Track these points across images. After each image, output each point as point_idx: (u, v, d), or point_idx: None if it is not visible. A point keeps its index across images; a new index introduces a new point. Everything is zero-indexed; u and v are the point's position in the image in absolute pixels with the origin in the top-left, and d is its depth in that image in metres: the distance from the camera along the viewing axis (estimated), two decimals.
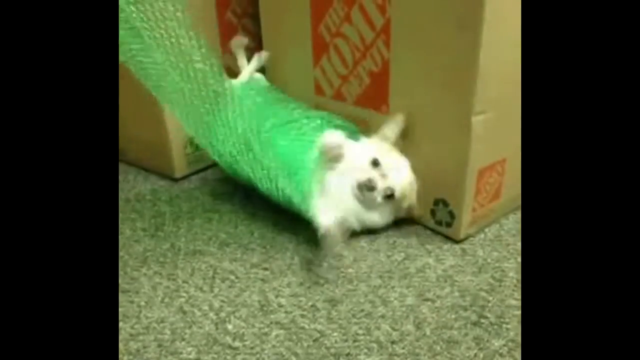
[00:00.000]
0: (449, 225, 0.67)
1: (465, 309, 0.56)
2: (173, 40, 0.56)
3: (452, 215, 0.66)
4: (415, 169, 0.67)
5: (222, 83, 0.60)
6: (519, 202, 0.74)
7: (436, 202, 0.68)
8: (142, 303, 0.59)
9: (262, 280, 0.62)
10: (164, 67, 0.58)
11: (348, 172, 0.66)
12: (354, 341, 0.53)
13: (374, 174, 0.65)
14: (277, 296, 0.59)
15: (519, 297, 0.57)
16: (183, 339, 0.54)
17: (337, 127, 0.71)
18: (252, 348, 0.52)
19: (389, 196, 0.65)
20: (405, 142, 0.67)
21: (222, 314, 0.57)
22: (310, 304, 0.58)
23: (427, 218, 0.69)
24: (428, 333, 0.53)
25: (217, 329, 0.55)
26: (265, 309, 0.58)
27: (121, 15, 0.55)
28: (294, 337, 0.54)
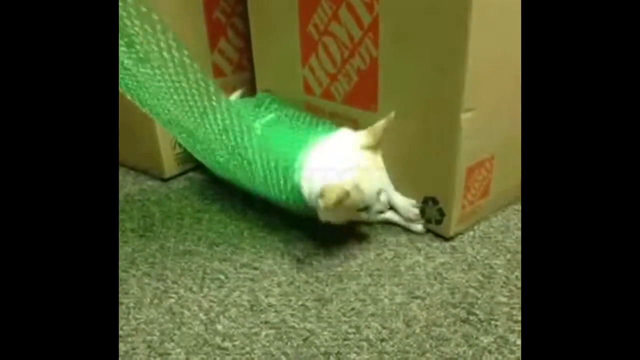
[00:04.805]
0: (438, 222, 0.67)
1: (455, 306, 0.56)
2: (164, 53, 0.54)
3: (441, 213, 0.66)
4: (404, 167, 0.67)
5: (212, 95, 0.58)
6: (508, 199, 0.74)
7: (425, 200, 0.68)
8: (131, 304, 0.59)
9: (252, 279, 0.62)
10: (148, 78, 0.58)
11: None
12: (344, 340, 0.53)
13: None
14: (267, 296, 0.59)
15: (508, 293, 0.58)
16: (172, 340, 0.53)
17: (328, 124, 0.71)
18: (242, 348, 0.52)
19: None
20: (394, 141, 0.67)
21: (212, 314, 0.57)
22: (300, 303, 0.58)
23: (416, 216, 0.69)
24: (418, 331, 0.53)
25: (206, 329, 0.55)
26: (255, 308, 0.57)
27: None
28: (284, 336, 0.53)
